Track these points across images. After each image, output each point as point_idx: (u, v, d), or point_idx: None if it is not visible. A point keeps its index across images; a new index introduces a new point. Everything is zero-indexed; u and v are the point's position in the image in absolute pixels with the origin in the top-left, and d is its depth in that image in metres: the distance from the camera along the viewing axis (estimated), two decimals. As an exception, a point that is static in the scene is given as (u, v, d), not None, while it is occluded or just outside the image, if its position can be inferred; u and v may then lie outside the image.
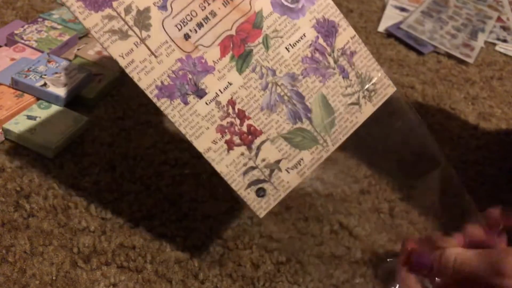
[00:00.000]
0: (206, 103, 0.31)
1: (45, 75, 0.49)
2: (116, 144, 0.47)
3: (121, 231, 0.40)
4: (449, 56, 0.72)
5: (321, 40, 0.32)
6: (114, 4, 0.28)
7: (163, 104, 0.30)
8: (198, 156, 0.47)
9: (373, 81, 0.34)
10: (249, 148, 0.32)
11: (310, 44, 0.32)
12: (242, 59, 0.31)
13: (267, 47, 0.31)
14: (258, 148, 0.32)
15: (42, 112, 0.47)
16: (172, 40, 0.29)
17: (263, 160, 0.32)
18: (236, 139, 0.31)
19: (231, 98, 0.31)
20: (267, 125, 0.32)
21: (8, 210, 0.40)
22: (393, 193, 0.46)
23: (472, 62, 0.71)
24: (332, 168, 0.47)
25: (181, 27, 0.30)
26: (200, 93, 0.30)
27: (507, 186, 0.49)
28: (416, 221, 0.44)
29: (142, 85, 0.30)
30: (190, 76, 0.30)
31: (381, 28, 0.77)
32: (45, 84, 0.48)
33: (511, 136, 0.50)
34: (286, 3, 0.32)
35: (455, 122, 0.57)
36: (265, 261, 0.40)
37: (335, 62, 0.33)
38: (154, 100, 0.30)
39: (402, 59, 0.69)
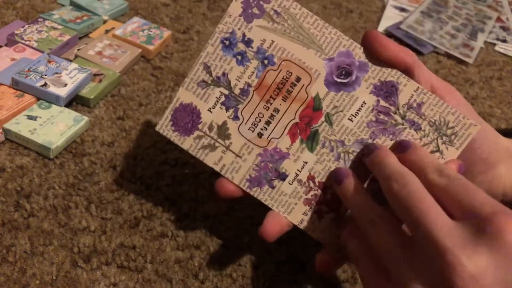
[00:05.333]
0: (289, 183, 0.35)
1: (45, 75, 0.49)
2: (116, 144, 0.47)
3: (121, 231, 0.40)
4: (449, 56, 0.73)
5: (382, 102, 0.33)
6: (200, 126, 0.35)
7: (255, 192, 0.35)
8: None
9: (450, 124, 0.32)
10: (338, 212, 0.35)
11: (372, 109, 0.33)
12: (311, 140, 0.34)
13: (330, 124, 0.34)
14: (347, 211, 0.34)
15: (43, 112, 0.47)
16: (249, 141, 0.35)
17: None
18: (324, 208, 0.35)
19: (310, 174, 0.34)
20: None
21: (9, 210, 0.40)
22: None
23: (472, 62, 0.72)
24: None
25: (254, 129, 0.35)
26: (282, 176, 0.35)
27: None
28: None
29: (236, 181, 0.35)
30: (270, 165, 0.35)
31: (381, 28, 0.78)
32: (45, 84, 0.48)
33: (511, 136, 0.50)
34: (339, 80, 0.33)
35: (455, 122, 0.57)
36: (265, 261, 0.40)
37: (403, 118, 0.33)
38: (248, 190, 0.35)
39: (402, 59, 0.69)
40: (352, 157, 0.33)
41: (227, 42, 0.34)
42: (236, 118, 0.35)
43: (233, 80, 0.34)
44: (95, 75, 0.53)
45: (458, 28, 0.80)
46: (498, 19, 0.86)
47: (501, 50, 0.77)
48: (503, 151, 0.33)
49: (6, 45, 0.55)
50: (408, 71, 0.32)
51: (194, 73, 0.35)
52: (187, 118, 0.35)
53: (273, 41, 0.33)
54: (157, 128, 0.35)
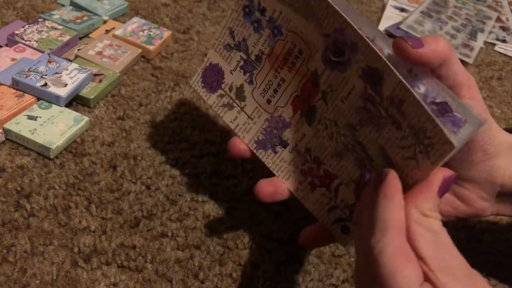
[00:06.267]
0: (289, 151, 0.36)
1: (45, 75, 0.49)
2: (116, 144, 0.47)
3: (121, 231, 0.40)
4: (449, 56, 0.72)
5: (369, 90, 0.30)
6: (223, 86, 0.38)
7: (260, 154, 0.37)
8: (198, 156, 0.47)
9: (427, 133, 0.26)
10: (328, 189, 0.35)
11: (361, 95, 0.31)
12: (309, 114, 0.34)
13: (326, 102, 0.33)
14: (336, 190, 0.34)
15: (43, 112, 0.47)
16: (260, 105, 0.37)
17: (342, 201, 0.34)
18: (317, 181, 0.35)
19: (307, 146, 0.35)
20: (339, 170, 0.34)
21: (9, 210, 0.40)
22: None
23: (472, 62, 0.72)
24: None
25: (264, 95, 0.37)
26: (284, 144, 0.36)
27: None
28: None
29: (246, 141, 0.38)
30: (275, 131, 0.36)
31: (381, 28, 0.78)
32: (45, 84, 0.48)
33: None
34: (334, 58, 0.32)
35: (455, 122, 0.57)
36: (265, 261, 0.40)
37: (386, 111, 0.29)
38: (254, 151, 0.38)
39: (402, 60, 0.69)
40: (343, 139, 0.32)
41: (247, 10, 0.35)
42: (251, 82, 0.37)
43: (250, 46, 0.36)
44: (95, 75, 0.53)
45: (458, 28, 0.80)
46: (498, 19, 0.86)
47: (501, 50, 0.77)
48: (504, 144, 0.33)
49: (6, 45, 0.55)
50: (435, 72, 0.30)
51: (222, 36, 0.38)
52: (214, 77, 0.39)
53: (281, 12, 0.34)
54: (190, 83, 0.40)
